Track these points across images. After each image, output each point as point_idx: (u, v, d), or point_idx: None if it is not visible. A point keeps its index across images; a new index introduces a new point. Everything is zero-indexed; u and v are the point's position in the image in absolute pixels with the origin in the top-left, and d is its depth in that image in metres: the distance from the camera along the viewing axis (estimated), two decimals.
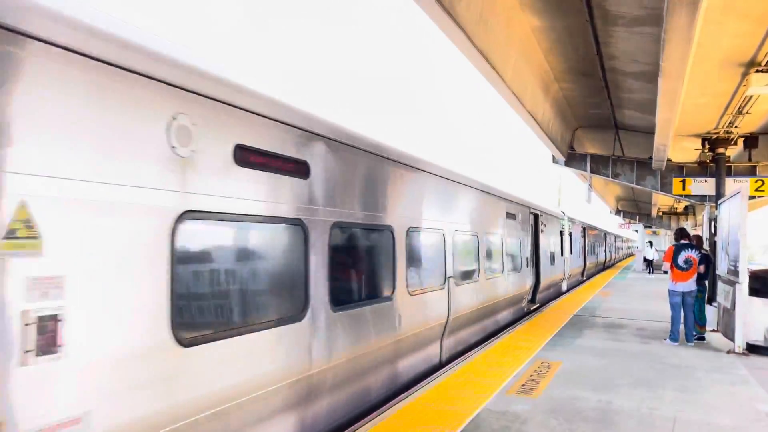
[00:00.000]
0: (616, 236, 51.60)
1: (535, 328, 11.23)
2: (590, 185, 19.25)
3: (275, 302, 4.63)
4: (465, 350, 9.47)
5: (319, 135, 5.08)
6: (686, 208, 44.86)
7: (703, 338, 10.08)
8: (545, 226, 16.52)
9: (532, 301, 15.00)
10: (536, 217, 15.62)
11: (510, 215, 12.42)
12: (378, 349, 6.21)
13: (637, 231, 46.19)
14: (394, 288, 6.62)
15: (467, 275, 9.45)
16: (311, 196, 4.94)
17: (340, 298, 5.46)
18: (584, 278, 25.86)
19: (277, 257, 4.78)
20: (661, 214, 46.67)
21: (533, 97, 13.78)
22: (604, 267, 37.62)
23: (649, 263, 32.16)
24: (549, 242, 17.12)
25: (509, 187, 13.23)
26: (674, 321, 9.76)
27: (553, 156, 20.28)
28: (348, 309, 5.60)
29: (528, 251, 14.12)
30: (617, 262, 52.24)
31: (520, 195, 13.73)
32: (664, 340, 9.89)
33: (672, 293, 9.85)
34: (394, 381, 6.83)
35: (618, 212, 49.14)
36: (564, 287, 20.09)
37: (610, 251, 43.14)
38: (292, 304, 4.75)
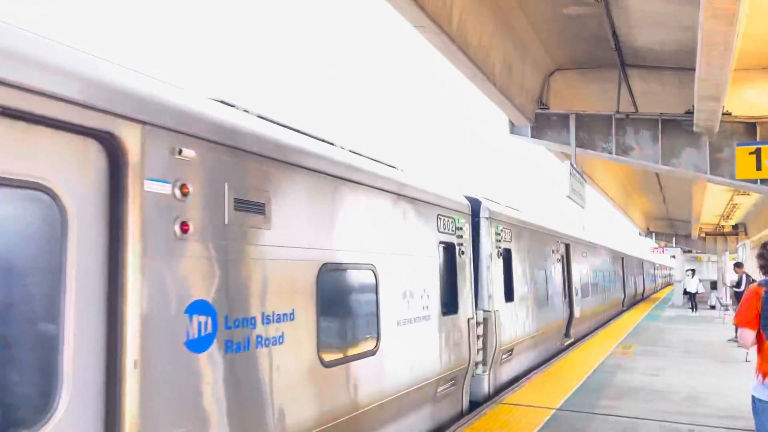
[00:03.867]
0: (644, 261, 41.95)
1: None
2: (575, 166, 10.01)
3: None
4: None
5: None
6: (735, 227, 36.31)
7: None
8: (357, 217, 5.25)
9: None
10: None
11: None
12: None
13: (674, 257, 37.89)
14: None
15: None
16: None
17: None
18: (570, 340, 13.98)
19: None
20: (703, 235, 39.36)
21: None
22: (625, 307, 27.22)
23: (691, 297, 27.53)
24: (345, 297, 5.30)
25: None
26: None
27: (510, 121, 11.31)
28: None
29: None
30: (650, 294, 42.70)
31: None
32: None
33: (762, 406, 4.05)
34: None
35: (648, 233, 40.72)
36: (485, 385, 8.30)
37: (635, 283, 33.28)
38: None
